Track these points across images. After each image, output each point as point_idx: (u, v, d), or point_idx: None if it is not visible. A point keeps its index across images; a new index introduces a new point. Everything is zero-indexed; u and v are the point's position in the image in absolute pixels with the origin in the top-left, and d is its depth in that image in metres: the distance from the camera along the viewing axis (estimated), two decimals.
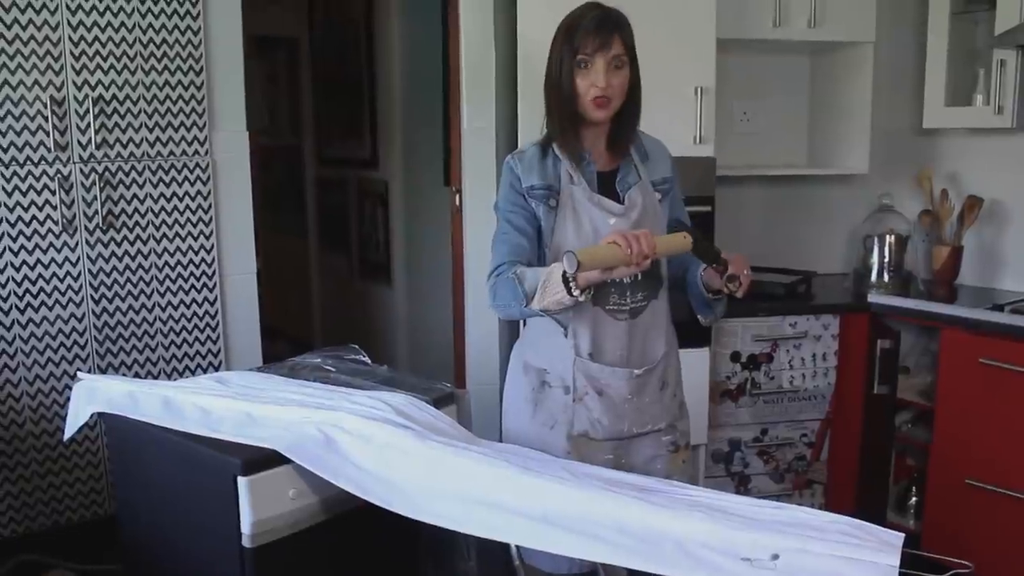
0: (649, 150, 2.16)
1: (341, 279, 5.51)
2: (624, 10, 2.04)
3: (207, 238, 3.21)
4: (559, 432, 2.09)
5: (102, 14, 2.93)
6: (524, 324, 2.22)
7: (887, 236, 3.49)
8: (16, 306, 2.92)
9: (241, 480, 1.79)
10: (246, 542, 1.82)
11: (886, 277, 3.49)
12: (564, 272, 1.81)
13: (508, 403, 2.22)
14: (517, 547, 1.90)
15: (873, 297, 3.36)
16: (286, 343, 5.75)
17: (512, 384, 2.21)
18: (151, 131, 3.06)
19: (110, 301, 3.07)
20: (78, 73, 2.91)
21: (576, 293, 1.82)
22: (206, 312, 3.24)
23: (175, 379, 3.13)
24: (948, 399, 3.04)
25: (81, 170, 2.96)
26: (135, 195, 3.07)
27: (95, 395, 2.21)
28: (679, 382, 2.22)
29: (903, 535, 1.52)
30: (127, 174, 3.04)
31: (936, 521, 3.10)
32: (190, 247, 3.18)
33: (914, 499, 3.36)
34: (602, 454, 2.08)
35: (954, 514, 3.02)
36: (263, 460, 1.82)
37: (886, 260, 3.50)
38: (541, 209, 2.04)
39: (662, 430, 2.15)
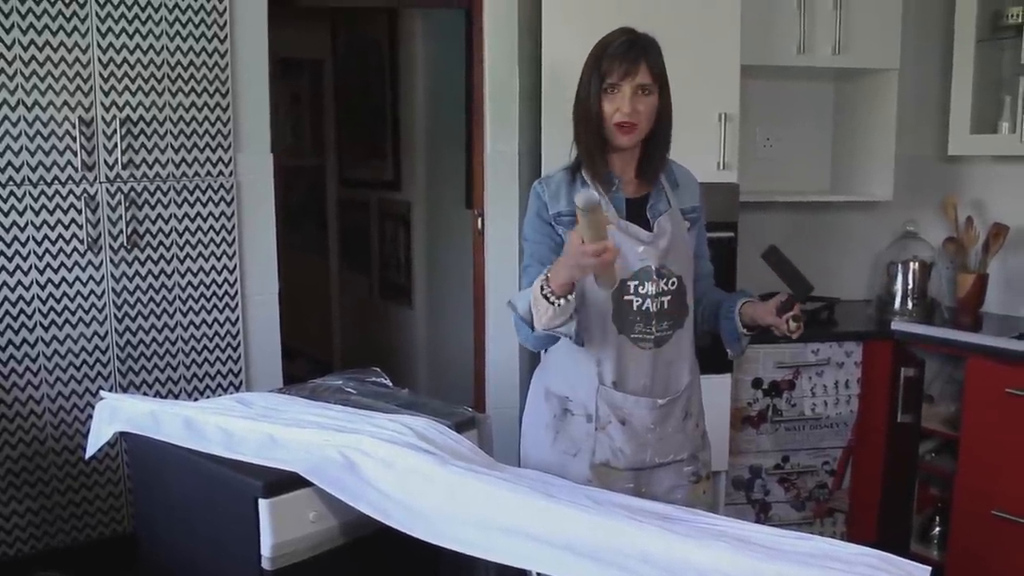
0: (679, 178, 2.15)
1: (361, 300, 5.52)
2: (650, 35, 2.04)
3: (230, 258, 3.22)
4: (581, 460, 2.08)
5: (131, 36, 2.96)
6: (545, 351, 2.21)
7: (911, 263, 3.47)
8: (40, 323, 2.94)
9: (262, 502, 1.79)
10: (266, 564, 1.81)
11: (910, 304, 3.47)
12: (541, 288, 1.81)
13: (527, 429, 2.21)
14: (538, 574, 1.88)
15: (897, 324, 3.33)
16: (305, 363, 5.76)
17: (532, 410, 2.20)
18: (177, 152, 3.09)
19: (133, 320, 3.08)
20: (107, 94, 2.95)
21: (558, 301, 1.81)
22: (228, 332, 3.25)
23: (196, 398, 3.15)
24: (973, 429, 3.00)
25: (107, 190, 2.99)
26: (159, 215, 3.09)
27: (117, 414, 2.21)
28: (702, 412, 2.21)
29: (930, 569, 1.50)
30: (152, 194, 3.07)
31: (961, 553, 3.06)
32: (213, 267, 3.20)
33: (938, 529, 3.32)
34: (623, 483, 2.07)
35: (980, 546, 2.97)
36: (284, 482, 1.81)
37: (910, 287, 3.48)
38: (569, 235, 2.03)
39: (684, 460, 2.14)
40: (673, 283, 2.05)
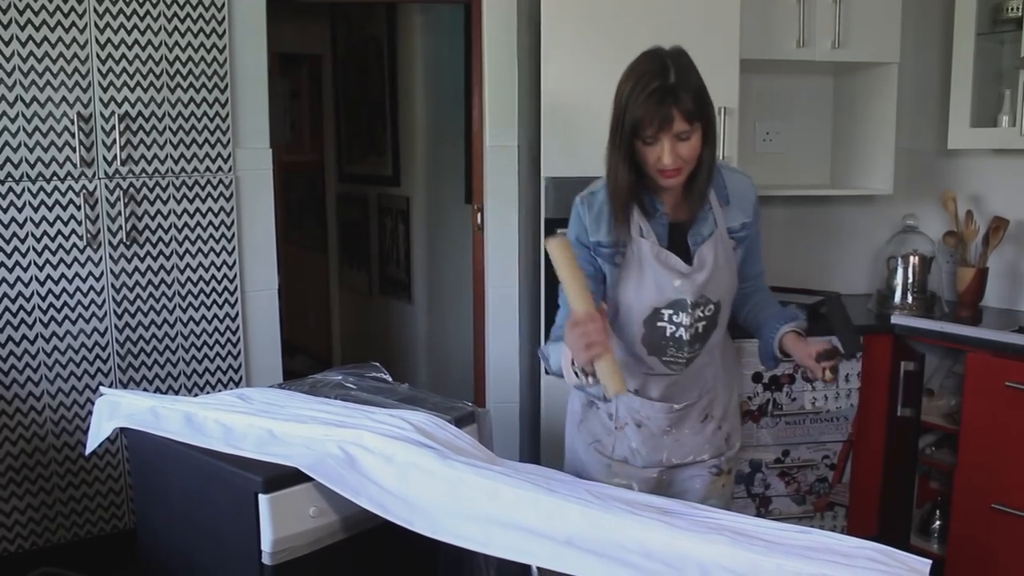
0: (731, 192, 2.01)
1: (361, 295, 5.52)
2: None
3: (229, 254, 3.22)
4: (598, 452, 2.10)
5: (129, 32, 2.96)
6: None
7: (911, 257, 3.46)
8: (40, 320, 2.94)
9: (262, 498, 1.79)
10: (266, 560, 1.81)
11: (910, 298, 3.46)
12: (572, 361, 1.79)
13: (569, 408, 2.23)
14: (538, 568, 1.89)
15: (896, 319, 3.32)
16: (305, 359, 5.76)
17: (574, 393, 2.20)
18: (175, 147, 3.08)
19: (132, 316, 3.08)
20: (105, 90, 2.94)
21: (585, 380, 1.80)
22: (227, 328, 3.25)
23: (196, 394, 3.15)
24: (973, 422, 3.00)
25: (106, 186, 2.98)
26: (159, 211, 3.09)
27: (117, 410, 2.22)
28: (727, 416, 2.17)
29: (930, 562, 1.50)
30: (151, 190, 3.06)
31: (961, 546, 3.05)
32: (212, 263, 3.20)
33: (938, 523, 3.32)
34: (644, 474, 2.09)
35: (979, 539, 2.97)
36: (284, 478, 1.82)
37: (910, 281, 3.47)
38: (607, 266, 1.97)
39: (704, 461, 2.14)
40: (710, 310, 1.99)
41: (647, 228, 1.94)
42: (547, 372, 1.93)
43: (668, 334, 1.98)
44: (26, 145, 2.85)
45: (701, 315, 1.98)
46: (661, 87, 1.78)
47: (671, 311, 1.96)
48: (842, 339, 1.90)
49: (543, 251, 3.11)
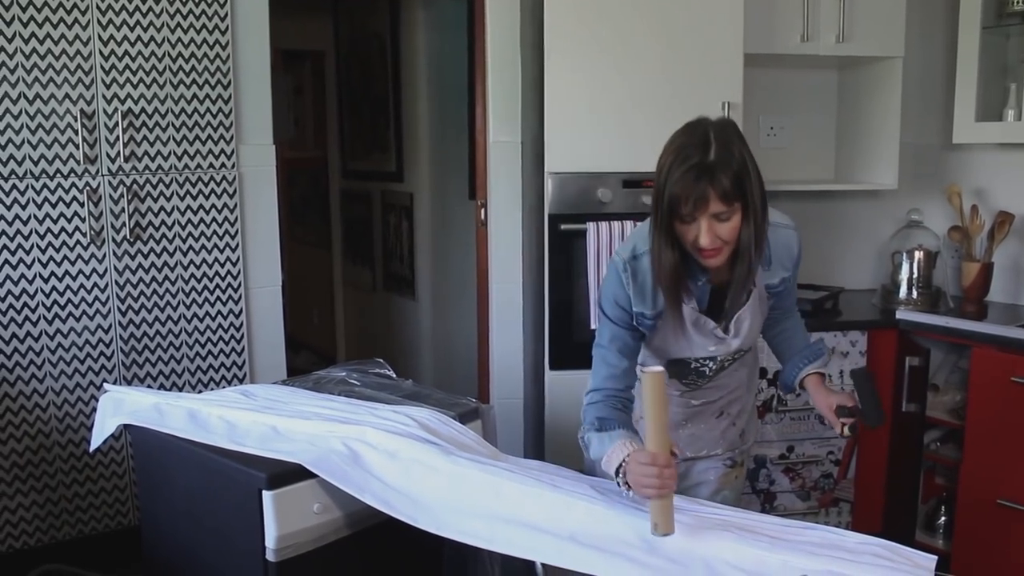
0: (774, 251, 1.95)
1: (364, 292, 5.52)
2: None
3: (233, 250, 3.22)
4: None
5: (132, 29, 2.95)
6: None
7: (916, 252, 3.45)
8: (44, 317, 2.94)
9: (266, 494, 1.79)
10: (270, 556, 1.81)
11: (915, 293, 3.45)
12: (617, 471, 1.72)
13: None
14: (542, 564, 1.89)
15: (901, 314, 3.32)
16: (309, 355, 5.77)
17: None
18: (179, 144, 3.08)
19: (136, 313, 3.08)
20: (108, 87, 2.94)
21: (628, 494, 1.77)
22: (231, 324, 3.25)
23: (200, 390, 3.15)
24: (979, 418, 2.99)
25: (110, 182, 2.98)
26: (162, 207, 3.09)
27: (121, 407, 2.22)
28: (743, 413, 2.18)
29: (935, 558, 1.50)
30: (155, 187, 3.06)
31: (966, 542, 3.05)
32: (216, 259, 3.19)
33: (943, 519, 3.32)
34: None
35: (985, 535, 2.97)
36: (288, 474, 1.82)
37: (915, 276, 3.46)
38: (645, 330, 1.92)
39: (719, 455, 2.15)
40: (740, 355, 2.03)
41: (688, 295, 1.90)
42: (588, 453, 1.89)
43: (693, 368, 2.01)
44: (29, 142, 2.85)
45: (730, 358, 2.02)
46: (699, 164, 1.68)
47: (701, 358, 1.99)
48: (865, 409, 1.90)
49: (547, 246, 3.11)
